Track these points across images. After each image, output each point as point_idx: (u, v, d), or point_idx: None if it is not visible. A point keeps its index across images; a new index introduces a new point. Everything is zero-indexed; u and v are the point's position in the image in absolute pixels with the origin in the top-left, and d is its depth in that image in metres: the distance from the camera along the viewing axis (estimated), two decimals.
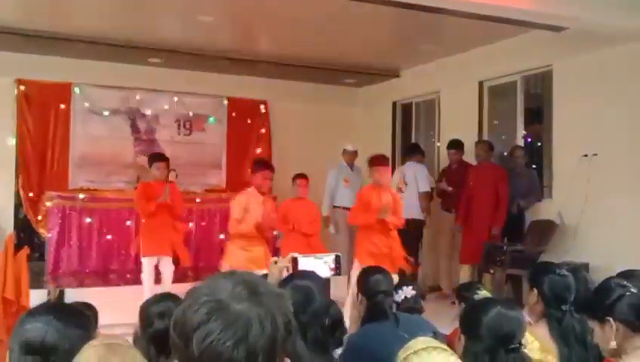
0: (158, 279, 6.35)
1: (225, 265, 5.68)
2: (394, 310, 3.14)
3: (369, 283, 3.08)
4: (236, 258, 5.58)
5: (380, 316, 2.98)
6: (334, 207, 8.04)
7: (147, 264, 6.31)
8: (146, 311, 2.79)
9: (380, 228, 5.85)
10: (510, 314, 2.14)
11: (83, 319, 1.98)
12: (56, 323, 1.84)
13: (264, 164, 6.09)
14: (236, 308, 1.06)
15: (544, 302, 2.87)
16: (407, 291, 3.50)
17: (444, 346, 1.79)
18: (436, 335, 2.83)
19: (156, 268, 6.36)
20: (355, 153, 8.34)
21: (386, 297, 3.05)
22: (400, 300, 3.49)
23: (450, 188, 7.84)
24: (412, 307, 3.46)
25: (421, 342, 1.76)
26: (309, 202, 6.76)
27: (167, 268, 6.35)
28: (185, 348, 1.06)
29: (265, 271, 5.41)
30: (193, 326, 1.05)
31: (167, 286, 6.02)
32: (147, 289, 6.13)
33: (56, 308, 1.98)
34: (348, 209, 7.26)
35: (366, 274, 3.19)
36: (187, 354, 1.06)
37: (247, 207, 5.68)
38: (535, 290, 2.92)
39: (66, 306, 2.08)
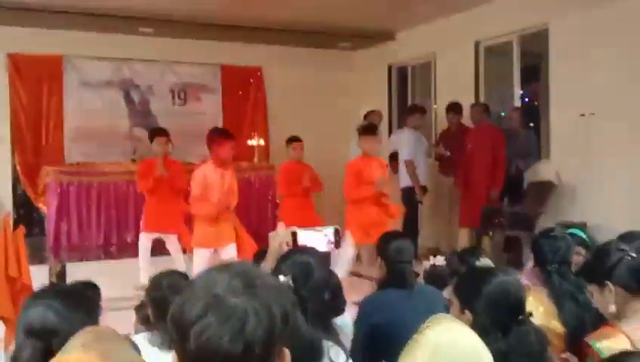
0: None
1: (194, 244, 5.57)
2: (414, 278, 3.12)
3: (390, 251, 3.06)
4: (203, 235, 5.46)
5: (398, 283, 2.99)
6: None
7: (143, 238, 6.40)
8: (154, 280, 2.84)
9: (374, 200, 5.75)
10: (511, 281, 2.13)
11: (84, 300, 1.98)
12: (57, 306, 1.85)
13: (226, 134, 5.70)
14: (232, 301, 1.06)
15: (537, 264, 2.92)
16: (438, 260, 3.63)
17: (462, 323, 1.82)
18: (447, 309, 2.85)
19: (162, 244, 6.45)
20: None
21: (407, 265, 3.05)
22: (428, 266, 3.59)
23: (447, 153, 7.82)
24: (439, 275, 3.54)
25: (441, 318, 1.78)
26: (307, 164, 7.05)
27: (173, 246, 6.40)
28: (182, 341, 1.06)
29: (233, 244, 5.44)
30: (190, 321, 1.06)
31: (179, 263, 6.02)
32: (143, 263, 6.25)
33: (56, 290, 1.99)
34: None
35: (387, 240, 3.15)
36: (184, 348, 1.06)
37: (208, 182, 5.43)
38: (532, 254, 2.96)
39: (67, 288, 2.08)
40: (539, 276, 2.97)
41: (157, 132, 6.72)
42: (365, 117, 8.09)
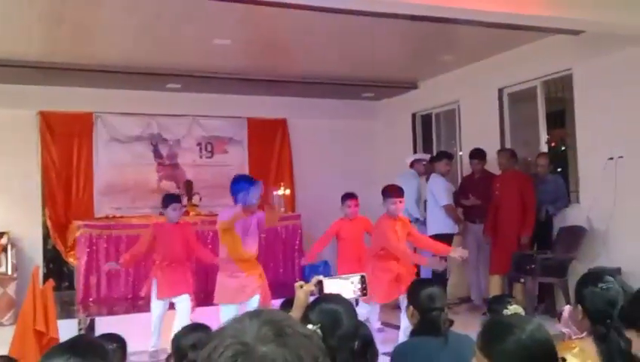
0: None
1: (217, 300, 5.60)
2: (446, 325, 3.04)
3: (422, 298, 3.00)
4: (226, 289, 5.55)
5: (431, 331, 2.93)
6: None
7: (156, 306, 6.06)
8: (177, 343, 2.79)
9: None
10: (537, 330, 1.98)
11: (103, 354, 1.96)
12: (75, 360, 1.83)
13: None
14: (262, 350, 1.04)
15: (589, 318, 2.59)
16: None
17: None
18: None
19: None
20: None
21: (439, 313, 2.99)
22: None
23: (478, 202, 7.65)
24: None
25: None
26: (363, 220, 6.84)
27: (181, 306, 5.99)
28: None
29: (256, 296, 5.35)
30: None
31: (184, 321, 5.46)
32: (155, 334, 5.94)
33: (74, 345, 1.95)
34: None
35: (418, 288, 3.09)
36: None
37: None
38: (579, 306, 2.72)
39: (86, 342, 2.04)
40: (579, 323, 2.82)
41: (172, 198, 6.43)
42: (411, 165, 8.11)
